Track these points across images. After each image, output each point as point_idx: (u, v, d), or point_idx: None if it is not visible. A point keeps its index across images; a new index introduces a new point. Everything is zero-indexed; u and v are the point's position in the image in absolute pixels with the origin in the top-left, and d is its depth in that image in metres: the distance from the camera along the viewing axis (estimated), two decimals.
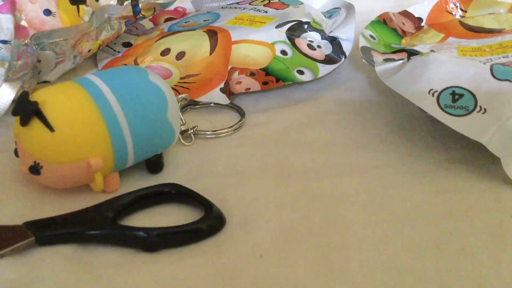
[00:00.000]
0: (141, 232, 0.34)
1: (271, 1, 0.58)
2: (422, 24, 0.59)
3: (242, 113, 0.47)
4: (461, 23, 0.57)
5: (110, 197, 0.37)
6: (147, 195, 0.37)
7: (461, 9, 0.60)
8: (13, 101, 0.44)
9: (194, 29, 0.53)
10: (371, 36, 0.54)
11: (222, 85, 0.48)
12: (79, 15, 0.52)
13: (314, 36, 0.53)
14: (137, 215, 0.37)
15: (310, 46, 0.52)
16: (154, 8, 0.54)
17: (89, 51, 0.51)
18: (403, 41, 0.55)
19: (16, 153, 0.37)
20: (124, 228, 0.35)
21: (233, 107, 0.48)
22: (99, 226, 0.35)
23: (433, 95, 0.41)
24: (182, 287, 0.32)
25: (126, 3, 0.54)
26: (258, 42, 0.51)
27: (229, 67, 0.49)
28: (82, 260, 0.33)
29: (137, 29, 0.58)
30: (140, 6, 0.52)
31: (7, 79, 0.44)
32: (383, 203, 0.38)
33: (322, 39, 0.53)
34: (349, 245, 0.34)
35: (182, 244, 0.34)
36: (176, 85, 0.49)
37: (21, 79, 0.45)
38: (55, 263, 0.33)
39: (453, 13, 0.59)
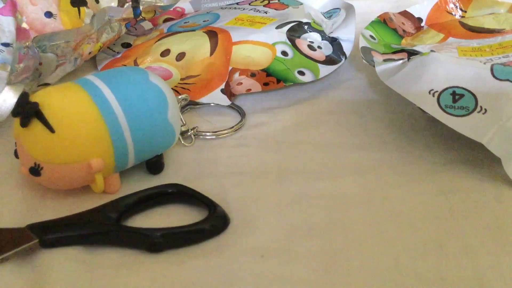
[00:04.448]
0: (145, 232, 0.34)
1: (271, 2, 0.58)
2: (422, 24, 0.59)
3: (242, 113, 0.47)
4: (461, 23, 0.57)
5: (112, 198, 0.37)
6: (150, 196, 0.37)
7: (461, 9, 0.60)
8: None
9: (194, 30, 0.53)
10: (371, 36, 0.54)
11: (222, 86, 0.48)
12: (80, 17, 0.52)
13: (315, 37, 0.53)
14: (140, 215, 0.37)
15: (310, 47, 0.52)
16: (155, 10, 0.54)
17: (89, 53, 0.51)
18: (403, 41, 0.55)
19: (16, 154, 0.37)
20: (128, 229, 0.35)
21: (233, 107, 0.48)
22: (103, 227, 0.35)
23: (433, 95, 0.41)
24: (185, 287, 0.32)
25: (126, 5, 0.54)
26: (258, 43, 0.51)
27: (230, 68, 0.49)
28: (86, 261, 0.33)
29: (136, 29, 0.58)
30: (140, 8, 0.53)
31: (9, 82, 0.44)
32: (384, 203, 0.38)
33: (322, 39, 0.54)
34: (350, 245, 0.35)
35: (187, 245, 0.34)
36: (176, 86, 0.49)
37: (23, 82, 0.44)
38: (59, 265, 0.33)
39: (453, 13, 0.59)
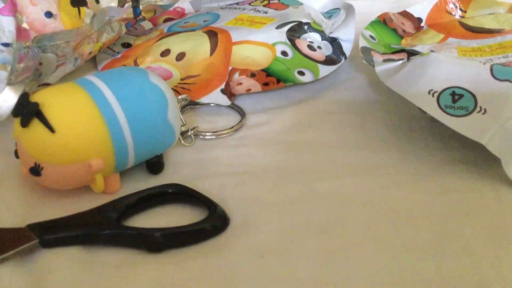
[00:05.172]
0: (145, 232, 0.34)
1: (271, 2, 0.58)
2: (422, 24, 0.59)
3: (242, 114, 0.47)
4: (461, 24, 0.57)
5: (112, 198, 0.37)
6: (150, 196, 0.37)
7: (461, 9, 0.60)
8: None
9: (194, 30, 0.53)
10: (371, 36, 0.54)
11: (222, 86, 0.48)
12: (80, 17, 0.52)
13: (315, 37, 0.53)
14: (141, 215, 0.37)
15: (310, 47, 0.52)
16: (155, 10, 0.55)
17: (90, 53, 0.51)
18: (403, 41, 0.55)
19: (16, 154, 0.37)
20: (128, 229, 0.35)
21: (233, 107, 0.48)
22: (103, 227, 0.35)
23: (433, 96, 0.41)
24: (185, 287, 0.32)
25: (126, 5, 0.54)
26: (258, 43, 0.51)
27: (230, 68, 0.49)
28: (86, 261, 0.33)
29: (136, 29, 0.58)
30: (140, 8, 0.53)
31: (9, 83, 0.44)
32: (383, 203, 0.38)
33: (322, 40, 0.54)
34: (349, 245, 0.35)
35: (187, 244, 0.34)
36: (176, 86, 0.49)
37: (24, 82, 0.45)
38: (59, 265, 0.33)
39: (453, 13, 0.60)
